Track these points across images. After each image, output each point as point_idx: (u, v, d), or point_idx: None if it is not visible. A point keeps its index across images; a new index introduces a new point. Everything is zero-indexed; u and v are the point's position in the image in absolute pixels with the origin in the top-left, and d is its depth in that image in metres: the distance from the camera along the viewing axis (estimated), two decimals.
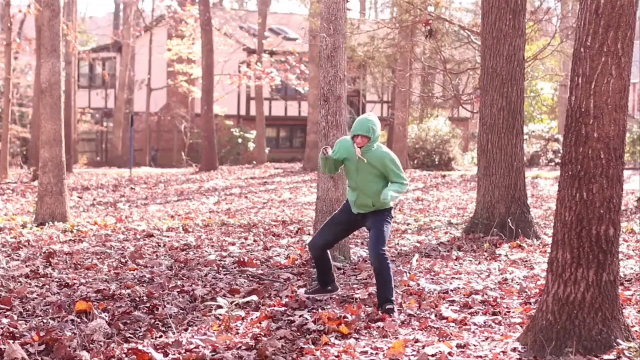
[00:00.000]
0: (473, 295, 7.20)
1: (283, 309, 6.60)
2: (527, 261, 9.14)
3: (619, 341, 5.23)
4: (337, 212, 7.03)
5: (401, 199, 18.09)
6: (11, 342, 5.43)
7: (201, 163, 30.65)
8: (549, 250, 8.54)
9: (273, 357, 5.31)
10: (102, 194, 20.69)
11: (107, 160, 41.20)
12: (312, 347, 5.53)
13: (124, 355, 5.24)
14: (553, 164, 30.72)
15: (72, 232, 11.95)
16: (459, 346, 5.52)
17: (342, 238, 7.22)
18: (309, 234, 11.37)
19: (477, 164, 12.18)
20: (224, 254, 9.69)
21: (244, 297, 6.96)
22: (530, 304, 6.86)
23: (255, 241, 10.92)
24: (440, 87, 18.88)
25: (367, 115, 6.72)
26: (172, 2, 33.66)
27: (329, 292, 7.06)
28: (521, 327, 6.03)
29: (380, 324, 6.10)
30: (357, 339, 5.76)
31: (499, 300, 7.07)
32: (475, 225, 11.02)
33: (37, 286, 7.64)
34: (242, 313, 6.40)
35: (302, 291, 7.11)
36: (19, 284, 7.77)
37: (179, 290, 7.32)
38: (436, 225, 12.63)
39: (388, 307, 6.45)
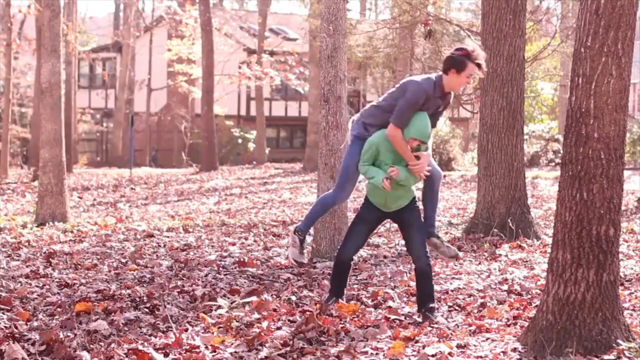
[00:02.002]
0: (473, 295, 7.21)
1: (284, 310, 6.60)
2: (527, 261, 9.14)
3: (619, 341, 5.23)
4: (361, 211, 6.53)
5: None
6: (11, 342, 5.44)
7: (201, 163, 30.65)
8: (549, 250, 8.53)
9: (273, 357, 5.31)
10: (102, 194, 20.70)
11: (107, 160, 41.21)
12: (312, 347, 5.53)
13: (124, 355, 5.24)
14: (553, 164, 30.70)
15: (72, 232, 11.95)
16: (459, 346, 5.52)
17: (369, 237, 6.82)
18: (309, 234, 11.35)
19: (477, 164, 12.17)
20: (224, 254, 9.69)
21: (244, 297, 6.96)
22: (531, 304, 6.85)
23: (255, 241, 10.92)
24: None
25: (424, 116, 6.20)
26: (171, 3, 33.67)
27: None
28: (521, 327, 6.04)
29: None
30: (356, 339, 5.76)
31: (499, 300, 7.07)
32: (475, 225, 11.02)
33: (37, 286, 7.64)
34: (242, 313, 6.40)
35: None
36: (19, 284, 7.77)
37: (179, 290, 7.32)
38: (436, 225, 12.61)
39: (431, 305, 6.31)
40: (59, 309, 6.59)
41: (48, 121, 12.99)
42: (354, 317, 6.34)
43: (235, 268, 8.64)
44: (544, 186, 21.82)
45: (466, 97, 15.37)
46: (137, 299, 6.93)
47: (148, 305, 6.71)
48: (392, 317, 6.34)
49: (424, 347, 5.47)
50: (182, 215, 14.85)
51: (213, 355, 5.29)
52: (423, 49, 20.91)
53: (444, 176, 25.63)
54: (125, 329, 5.99)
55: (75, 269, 8.67)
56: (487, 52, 10.87)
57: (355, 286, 7.67)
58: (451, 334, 5.84)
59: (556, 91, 34.89)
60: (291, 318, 6.31)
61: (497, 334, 5.86)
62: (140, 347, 5.29)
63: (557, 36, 15.71)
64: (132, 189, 22.13)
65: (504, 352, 5.36)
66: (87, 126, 41.26)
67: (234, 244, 10.59)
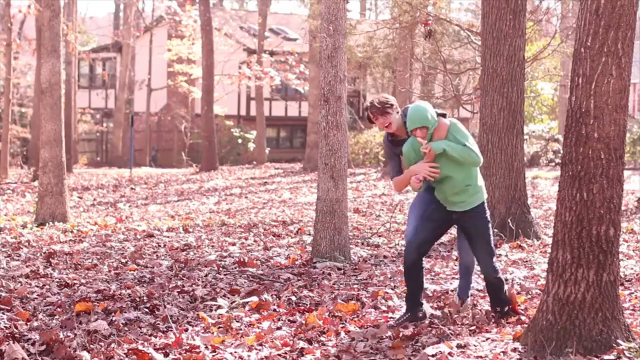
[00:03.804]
0: (473, 295, 7.20)
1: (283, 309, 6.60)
2: (527, 261, 9.14)
3: (619, 341, 5.23)
4: (427, 206, 6.16)
5: (401, 199, 18.08)
6: (11, 342, 5.43)
7: (201, 163, 30.66)
8: (549, 250, 8.54)
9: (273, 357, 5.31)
10: (102, 194, 20.69)
11: (107, 160, 41.23)
12: (312, 347, 5.53)
13: (124, 355, 5.24)
14: (553, 164, 30.69)
15: (72, 232, 11.95)
16: (459, 346, 5.52)
17: (438, 238, 6.33)
18: (309, 234, 11.37)
19: None
20: (224, 254, 9.69)
21: (244, 297, 6.96)
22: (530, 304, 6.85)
23: (255, 241, 10.92)
24: (440, 87, 18.87)
25: (416, 105, 5.97)
26: (171, 3, 33.65)
27: (420, 320, 6.20)
28: (521, 327, 6.03)
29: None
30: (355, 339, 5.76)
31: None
32: None
33: (37, 286, 7.64)
34: (242, 313, 6.40)
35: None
36: (19, 284, 7.77)
37: (179, 290, 7.32)
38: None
39: (505, 308, 6.28)
40: (59, 309, 6.59)
41: (48, 121, 12.99)
42: (354, 317, 6.34)
43: (235, 268, 8.64)
44: (544, 186, 21.82)
45: (466, 97, 15.36)
46: (137, 299, 6.93)
47: (148, 305, 6.71)
48: (392, 317, 6.34)
49: (423, 347, 5.47)
50: (182, 215, 14.84)
51: (213, 355, 5.29)
52: (423, 49, 20.91)
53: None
54: (125, 329, 5.99)
55: (75, 269, 8.67)
56: (487, 52, 10.89)
57: (355, 286, 7.67)
58: (451, 334, 5.84)
59: (556, 91, 34.87)
60: (291, 318, 6.32)
61: (497, 334, 5.86)
62: (140, 347, 5.29)
63: (557, 36, 15.70)
64: (132, 189, 22.13)
65: (504, 352, 5.36)
66: (87, 126, 41.25)
67: (234, 244, 10.59)
